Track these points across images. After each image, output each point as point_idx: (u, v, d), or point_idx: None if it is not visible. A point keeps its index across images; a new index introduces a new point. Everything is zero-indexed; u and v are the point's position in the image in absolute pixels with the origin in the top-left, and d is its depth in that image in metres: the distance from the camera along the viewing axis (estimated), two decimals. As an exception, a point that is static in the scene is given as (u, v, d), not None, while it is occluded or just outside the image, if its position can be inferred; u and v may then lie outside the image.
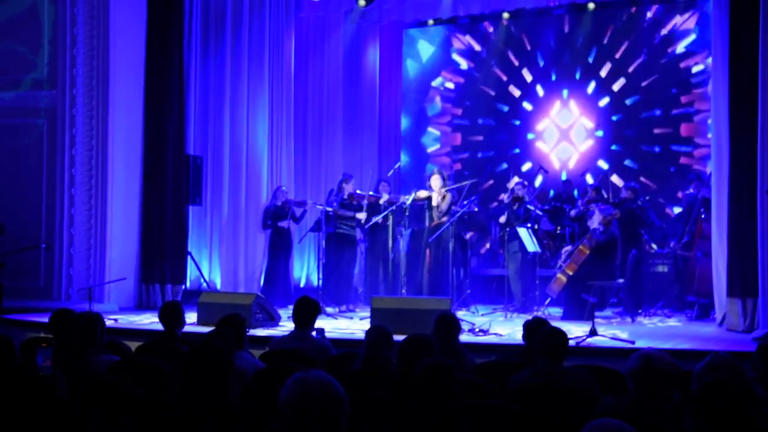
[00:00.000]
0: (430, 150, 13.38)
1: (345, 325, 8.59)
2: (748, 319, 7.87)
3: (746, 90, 7.92)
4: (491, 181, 12.33)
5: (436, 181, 9.82)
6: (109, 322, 7.19)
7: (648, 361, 3.46)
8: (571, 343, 6.52)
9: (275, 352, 5.24)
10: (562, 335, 4.38)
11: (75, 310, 5.92)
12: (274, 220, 10.26)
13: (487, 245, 11.97)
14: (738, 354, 4.87)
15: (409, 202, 9.70)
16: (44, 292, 9.99)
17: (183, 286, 10.53)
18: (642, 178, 11.78)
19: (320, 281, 9.98)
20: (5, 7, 10.30)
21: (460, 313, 8.91)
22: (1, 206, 9.60)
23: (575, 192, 11.75)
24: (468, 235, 10.48)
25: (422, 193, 9.78)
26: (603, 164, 12.29)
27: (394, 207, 9.76)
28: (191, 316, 8.21)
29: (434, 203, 9.73)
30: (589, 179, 11.48)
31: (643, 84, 12.16)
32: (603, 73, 12.42)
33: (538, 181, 11.87)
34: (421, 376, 3.06)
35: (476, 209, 10.48)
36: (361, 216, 9.90)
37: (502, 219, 9.99)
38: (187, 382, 3.11)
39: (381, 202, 9.90)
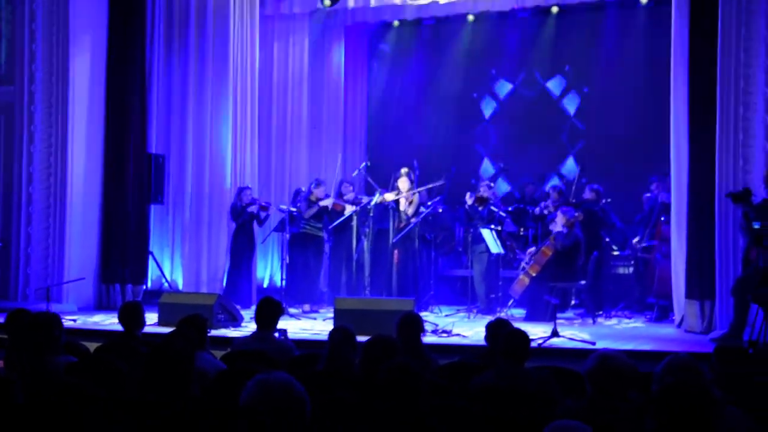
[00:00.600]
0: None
1: (308, 325, 8.56)
2: (705, 320, 7.99)
3: (705, 93, 8.04)
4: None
5: (404, 183, 9.83)
6: (67, 323, 7.08)
7: (604, 361, 3.49)
8: (533, 344, 6.60)
9: (237, 353, 5.20)
10: (523, 337, 4.40)
11: (32, 310, 5.83)
12: (239, 220, 10.18)
13: (452, 246, 12.01)
14: (696, 355, 4.94)
15: (373, 203, 9.70)
16: (0, 292, 9.80)
17: (144, 287, 10.42)
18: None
19: (283, 281, 9.93)
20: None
21: (424, 314, 8.92)
22: (-44, 204, 9.41)
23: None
24: (432, 236, 10.51)
25: (389, 196, 9.77)
26: (571, 165, 12.36)
27: (357, 208, 9.75)
28: (152, 317, 8.12)
29: (401, 207, 9.73)
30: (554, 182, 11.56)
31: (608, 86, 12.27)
32: (568, 74, 12.52)
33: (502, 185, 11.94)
34: (386, 377, 3.05)
35: (441, 210, 10.52)
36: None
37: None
38: (147, 382, 3.07)
39: (346, 213, 9.87)
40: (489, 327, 5.14)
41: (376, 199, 9.78)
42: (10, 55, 9.93)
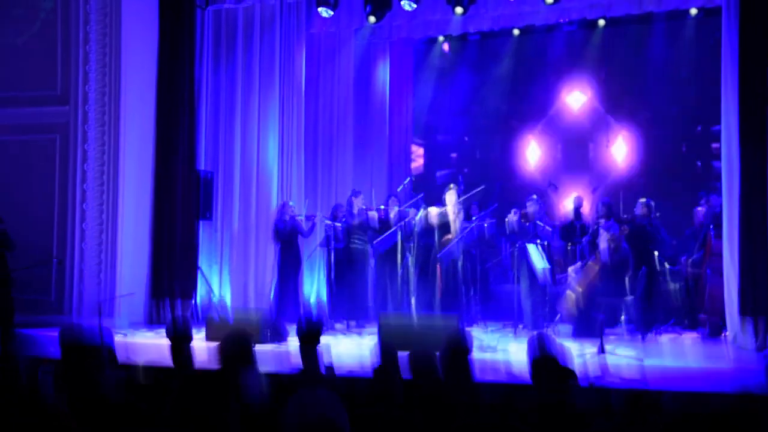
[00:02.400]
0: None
1: (353, 342, 8.58)
2: (760, 337, 7.81)
3: (756, 104, 7.90)
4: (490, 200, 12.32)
5: (451, 196, 9.81)
6: (118, 338, 7.22)
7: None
8: (579, 360, 6.52)
9: (281, 371, 5.23)
10: (564, 356, 4.35)
11: (85, 325, 5.95)
12: (283, 237, 10.27)
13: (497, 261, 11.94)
14: (747, 372, 4.83)
15: (418, 218, 9.71)
16: (55, 307, 10.03)
17: (193, 301, 10.56)
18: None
19: (329, 297, 9.97)
20: (19, 25, 10.40)
21: (469, 330, 8.87)
22: (14, 222, 9.63)
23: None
24: (477, 251, 10.46)
25: (434, 210, 9.73)
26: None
27: (403, 222, 9.77)
28: (201, 333, 8.23)
29: (451, 218, 9.68)
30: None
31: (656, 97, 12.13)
32: (614, 88, 12.40)
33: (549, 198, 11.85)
34: (423, 394, 3.06)
35: (486, 225, 10.47)
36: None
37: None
38: (189, 398, 3.12)
39: (391, 216, 9.88)
40: (530, 343, 5.09)
41: (421, 213, 9.78)
42: (64, 76, 10.20)
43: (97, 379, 4.27)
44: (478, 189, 9.80)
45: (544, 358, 3.62)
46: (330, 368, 5.63)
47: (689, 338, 9.03)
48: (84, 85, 10.08)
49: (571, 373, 4.05)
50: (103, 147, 10.09)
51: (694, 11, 11.52)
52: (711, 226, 9.26)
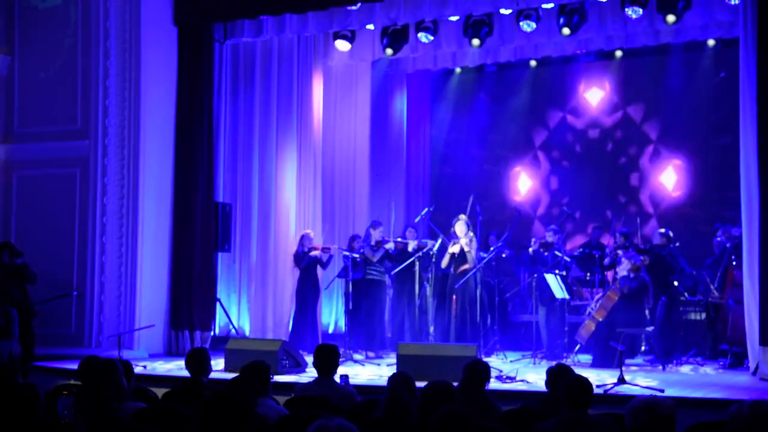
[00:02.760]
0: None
1: (372, 371, 8.56)
2: (782, 367, 7.71)
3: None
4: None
5: (460, 227, 9.81)
6: (138, 369, 7.24)
7: (651, 410, 3.41)
8: (599, 390, 6.47)
9: (299, 399, 5.23)
10: (586, 384, 4.32)
11: (104, 357, 5.98)
12: (303, 264, 10.31)
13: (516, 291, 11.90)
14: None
15: (435, 248, 9.73)
16: (75, 340, 10.07)
17: (212, 333, 10.58)
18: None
19: (347, 327, 9.97)
20: (40, 60, 10.58)
21: (488, 359, 8.83)
22: (35, 254, 9.74)
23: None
24: (496, 281, 10.45)
25: (455, 248, 9.70)
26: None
27: (421, 253, 9.77)
28: (219, 363, 8.24)
29: (465, 249, 9.69)
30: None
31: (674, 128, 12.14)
32: (637, 119, 12.42)
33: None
34: (436, 423, 3.05)
35: (504, 255, 10.46)
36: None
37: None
38: (206, 428, 3.13)
39: (410, 249, 9.90)
40: (549, 373, 5.08)
41: (438, 244, 9.79)
42: (84, 111, 10.34)
43: (115, 407, 4.30)
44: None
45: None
46: (348, 387, 5.63)
47: (710, 369, 8.93)
48: (104, 119, 10.20)
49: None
50: (123, 180, 10.20)
51: (711, 42, 11.53)
52: (732, 257, 9.19)
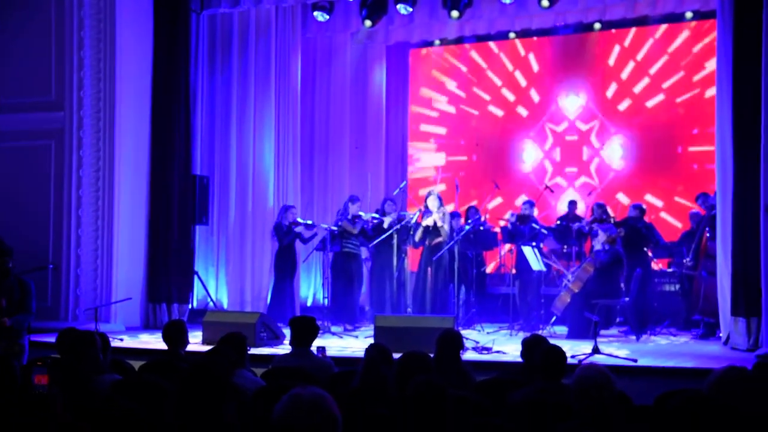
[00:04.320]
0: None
1: (350, 343, 8.61)
2: (752, 337, 7.85)
3: (749, 108, 7.94)
4: (500, 200, 12.36)
5: (432, 201, 9.87)
6: (115, 342, 7.24)
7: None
8: (573, 360, 6.56)
9: (276, 370, 5.26)
10: (560, 353, 4.39)
11: (81, 330, 5.97)
12: (286, 239, 10.30)
13: (494, 264, 11.98)
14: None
15: (413, 220, 9.78)
16: (51, 313, 10.01)
17: (189, 305, 10.58)
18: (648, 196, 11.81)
19: (326, 300, 10.00)
20: (13, 30, 10.41)
21: (467, 332, 8.92)
22: (10, 228, 9.63)
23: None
24: (474, 254, 10.51)
25: (428, 221, 9.79)
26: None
27: (399, 226, 9.81)
28: (197, 335, 8.25)
29: (439, 224, 9.77)
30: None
31: (650, 105, 12.20)
32: (609, 94, 12.46)
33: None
34: (413, 393, 3.09)
35: (482, 227, 10.52)
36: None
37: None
38: (184, 400, 3.14)
39: (384, 226, 9.92)
40: (525, 343, 5.14)
41: (416, 216, 9.85)
42: (59, 82, 10.21)
43: (92, 378, 4.30)
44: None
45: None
46: (325, 359, 5.66)
47: (683, 339, 9.06)
48: (79, 91, 10.08)
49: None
50: (99, 153, 10.10)
51: (689, 15, 11.57)
52: (707, 228, 9.30)
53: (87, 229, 10.06)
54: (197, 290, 10.78)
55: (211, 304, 10.70)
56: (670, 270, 10.29)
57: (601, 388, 3.38)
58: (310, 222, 10.44)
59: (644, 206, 10.19)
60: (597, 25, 12.10)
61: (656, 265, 10.21)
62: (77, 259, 10.07)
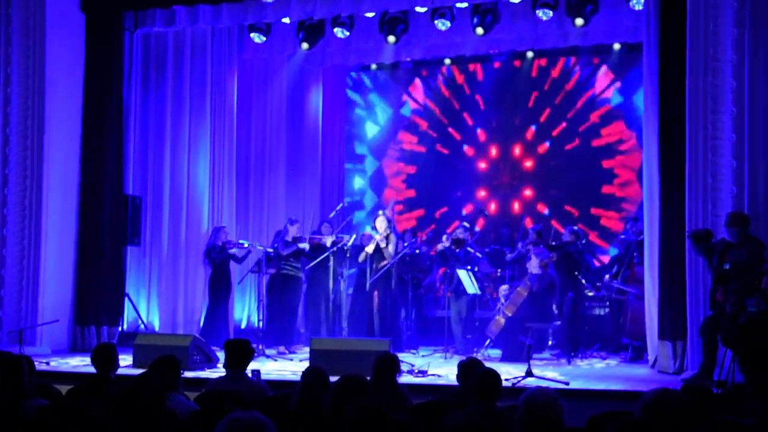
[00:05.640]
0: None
1: (284, 366, 8.53)
2: (678, 360, 8.05)
3: (675, 138, 8.18)
4: (433, 226, 12.48)
5: (381, 223, 9.91)
6: (40, 366, 7.03)
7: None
8: (507, 383, 6.63)
9: (210, 394, 5.18)
10: (495, 376, 4.44)
11: (5, 352, 5.77)
12: (218, 260, 10.17)
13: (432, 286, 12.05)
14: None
15: (350, 243, 9.78)
16: (-27, 336, 9.69)
17: (120, 328, 10.35)
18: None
19: (261, 322, 9.90)
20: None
21: (402, 355, 8.92)
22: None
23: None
24: (410, 277, 10.55)
25: (370, 248, 9.82)
26: (543, 208, 12.54)
27: (335, 248, 9.78)
28: (127, 359, 8.07)
29: (382, 245, 9.80)
30: (529, 223, 11.68)
31: (581, 130, 12.51)
32: (542, 118, 12.72)
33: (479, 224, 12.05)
34: (352, 417, 3.08)
35: (418, 251, 10.59)
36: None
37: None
38: (117, 425, 3.07)
39: (328, 244, 9.87)
40: (461, 366, 5.18)
41: (353, 239, 9.86)
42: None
43: (17, 404, 4.16)
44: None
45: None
46: (260, 382, 5.60)
47: (613, 362, 9.25)
48: (5, 107, 9.81)
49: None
50: (26, 171, 9.83)
51: (617, 46, 11.93)
52: (635, 254, 9.54)
53: (12, 249, 9.77)
54: (128, 312, 10.54)
55: (142, 326, 10.48)
56: (600, 294, 10.51)
57: (547, 408, 3.43)
58: (246, 243, 10.34)
59: (579, 230, 10.40)
60: (530, 54, 12.39)
61: (589, 293, 10.41)
62: (1, 280, 9.76)
